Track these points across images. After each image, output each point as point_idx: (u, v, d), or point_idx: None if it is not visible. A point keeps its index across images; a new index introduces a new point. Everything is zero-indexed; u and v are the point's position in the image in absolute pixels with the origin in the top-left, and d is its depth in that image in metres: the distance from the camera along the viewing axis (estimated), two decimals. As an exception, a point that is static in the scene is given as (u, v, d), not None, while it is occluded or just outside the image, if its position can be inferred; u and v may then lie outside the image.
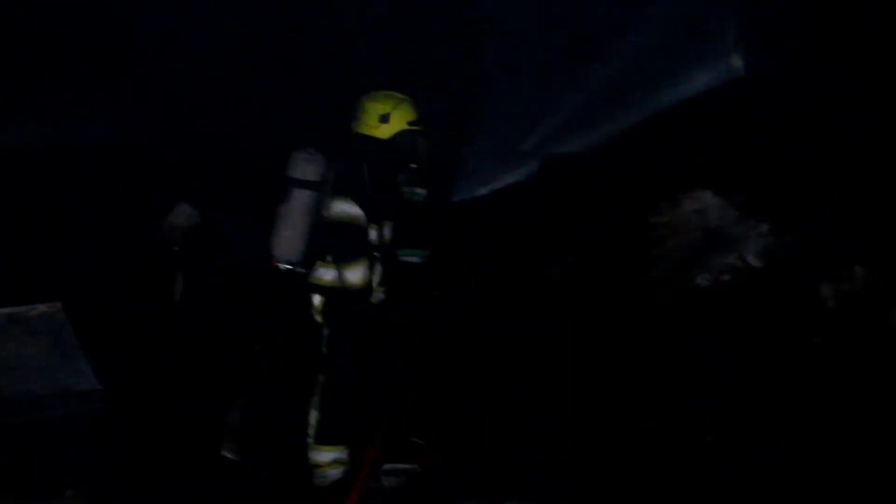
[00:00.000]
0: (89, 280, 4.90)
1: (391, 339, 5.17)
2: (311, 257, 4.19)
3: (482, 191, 10.99)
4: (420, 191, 5.11)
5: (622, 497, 3.72)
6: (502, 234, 7.41)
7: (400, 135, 4.29)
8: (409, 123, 4.30)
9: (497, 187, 10.90)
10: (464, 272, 6.84)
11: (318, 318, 4.27)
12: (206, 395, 4.75)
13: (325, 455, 4.15)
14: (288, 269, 4.16)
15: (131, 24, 6.86)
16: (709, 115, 7.69)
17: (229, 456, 4.53)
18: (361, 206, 4.05)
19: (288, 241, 4.12)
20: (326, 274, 4.19)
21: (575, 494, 3.78)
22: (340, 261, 4.15)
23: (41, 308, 4.01)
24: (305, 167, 4.12)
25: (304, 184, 4.10)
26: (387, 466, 4.34)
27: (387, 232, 4.37)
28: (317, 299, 4.24)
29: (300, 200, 4.09)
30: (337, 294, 4.16)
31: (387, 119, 4.26)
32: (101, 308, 4.66)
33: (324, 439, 4.13)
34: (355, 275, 4.14)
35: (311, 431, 4.17)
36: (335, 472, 4.18)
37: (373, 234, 4.20)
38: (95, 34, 6.53)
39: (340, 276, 4.13)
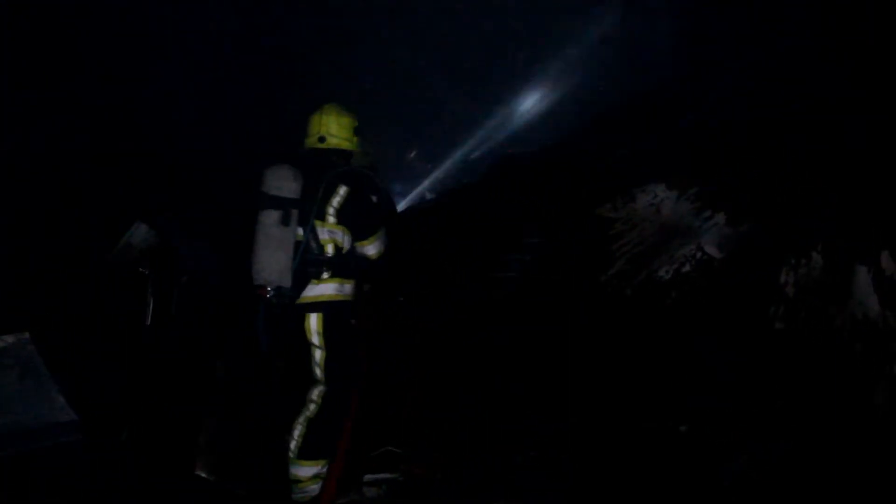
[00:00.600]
0: (57, 307, 4.73)
1: (391, 340, 5.14)
2: (302, 276, 4.00)
3: (431, 194, 11.08)
4: (373, 197, 5.10)
5: (621, 497, 3.74)
6: (457, 235, 7.42)
7: (364, 145, 4.32)
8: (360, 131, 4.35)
9: (447, 190, 11.02)
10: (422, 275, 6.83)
11: (315, 339, 4.05)
12: (178, 415, 4.63)
13: (305, 470, 4.06)
14: (276, 292, 3.95)
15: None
16: (657, 110, 7.90)
17: (204, 475, 4.42)
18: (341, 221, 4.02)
19: (272, 262, 3.90)
20: (326, 289, 4.08)
21: (574, 494, 3.80)
22: (358, 238, 4.10)
23: (8, 339, 3.83)
24: (281, 183, 3.96)
25: (281, 201, 3.93)
26: (367, 477, 4.30)
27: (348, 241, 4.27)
28: (314, 318, 4.03)
29: (276, 218, 3.90)
30: (338, 308, 4.08)
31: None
32: (71, 336, 4.50)
33: (306, 454, 4.05)
34: (372, 248, 4.15)
35: (293, 446, 4.09)
36: (315, 487, 4.10)
37: (346, 242, 4.13)
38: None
39: (341, 287, 4.05)
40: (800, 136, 5.21)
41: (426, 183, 11.19)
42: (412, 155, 11.47)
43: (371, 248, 4.19)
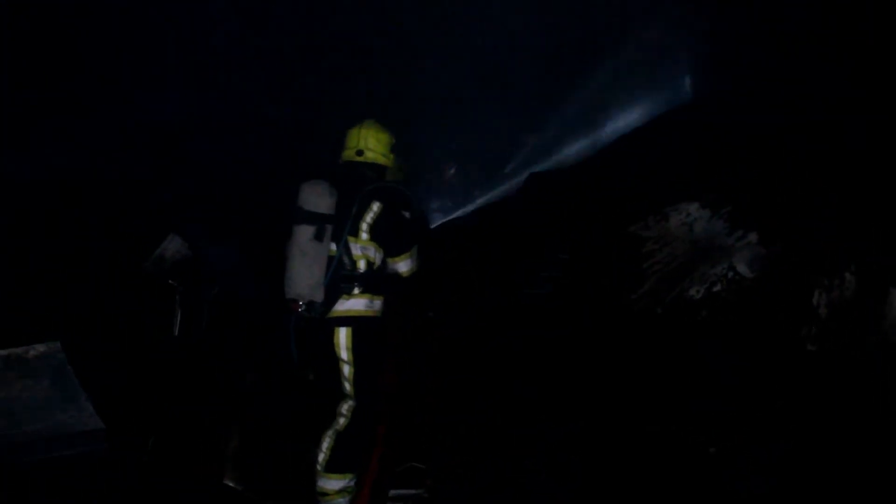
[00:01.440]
0: (87, 316, 4.86)
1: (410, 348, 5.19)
2: (333, 290, 4.06)
3: (466, 209, 11.13)
4: (406, 213, 5.17)
5: (629, 498, 3.74)
6: (489, 250, 7.46)
7: (398, 161, 4.43)
8: (396, 149, 4.46)
9: (479, 206, 11.06)
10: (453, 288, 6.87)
11: (344, 354, 4.09)
12: (206, 425, 4.72)
13: (333, 483, 4.11)
14: (307, 307, 4.01)
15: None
16: (686, 129, 7.86)
17: (232, 485, 4.50)
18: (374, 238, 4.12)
19: (305, 276, 3.97)
20: (357, 304, 4.12)
21: (583, 496, 3.81)
22: (390, 254, 4.17)
23: (39, 348, 3.95)
24: (316, 199, 4.04)
25: (315, 216, 4.01)
26: (393, 493, 4.33)
27: (379, 257, 4.32)
28: (343, 333, 4.08)
29: (310, 233, 3.97)
30: (368, 323, 4.14)
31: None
32: (100, 345, 4.62)
33: (334, 468, 4.10)
34: (404, 265, 4.22)
35: (322, 459, 4.13)
36: (342, 501, 4.14)
37: (378, 258, 4.19)
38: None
39: (371, 303, 4.12)
40: (798, 134, 5.20)
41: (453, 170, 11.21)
42: (451, 171, 11.49)
43: (403, 266, 4.25)
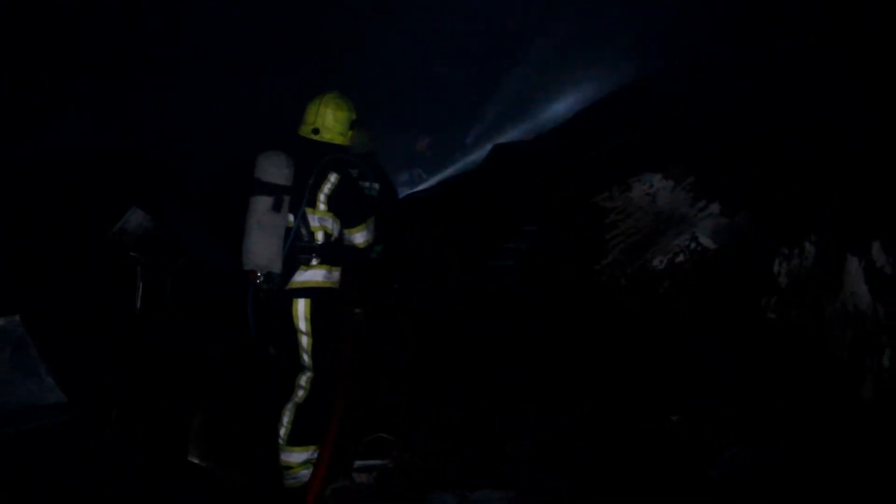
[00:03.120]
0: (49, 290, 4.75)
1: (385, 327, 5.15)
2: (291, 262, 4.04)
3: (430, 182, 11.08)
4: (375, 185, 5.11)
5: (615, 491, 3.76)
6: (453, 224, 7.42)
7: (359, 137, 4.36)
8: (357, 124, 4.37)
9: (444, 178, 11.03)
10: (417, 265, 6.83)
11: (302, 325, 4.09)
12: (171, 401, 4.65)
13: (296, 456, 4.10)
14: (266, 278, 3.99)
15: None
16: (650, 99, 7.88)
17: (196, 461, 4.45)
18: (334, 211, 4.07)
19: (263, 247, 3.94)
20: (315, 275, 4.10)
21: (565, 484, 3.81)
22: (347, 226, 4.13)
23: (-1, 322, 3.86)
24: (274, 170, 4.00)
25: (273, 187, 3.97)
26: (358, 463, 4.31)
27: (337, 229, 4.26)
28: (301, 304, 4.07)
29: (268, 204, 3.94)
30: (326, 295, 4.10)
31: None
32: (62, 318, 4.52)
33: (297, 440, 4.08)
34: (359, 236, 4.19)
35: (283, 432, 4.11)
36: (306, 473, 4.13)
37: (336, 230, 4.15)
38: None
39: (330, 274, 4.08)
40: (798, 135, 5.20)
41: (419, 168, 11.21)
42: (425, 143, 11.44)
43: (359, 237, 4.21)
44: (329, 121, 4.24)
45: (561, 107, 11.18)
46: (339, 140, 4.26)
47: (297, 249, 4.05)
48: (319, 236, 4.09)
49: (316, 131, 4.23)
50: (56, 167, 5.95)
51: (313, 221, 4.08)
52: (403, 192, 10.05)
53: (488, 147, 9.26)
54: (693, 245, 5.18)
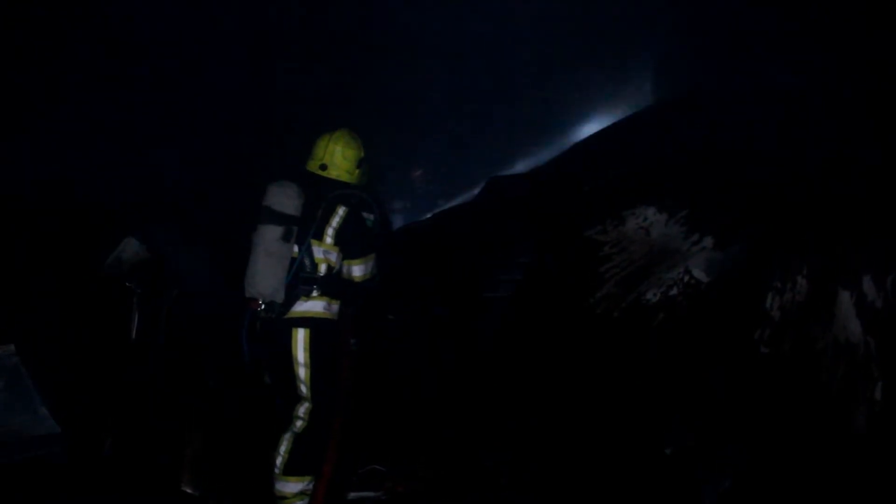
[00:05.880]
0: (43, 320, 4.74)
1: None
2: (292, 292, 4.04)
3: (427, 214, 11.15)
4: (370, 216, 5.14)
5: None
6: (449, 254, 7.46)
7: (365, 175, 4.38)
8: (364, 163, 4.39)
9: (442, 210, 11.08)
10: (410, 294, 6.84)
11: (301, 355, 4.06)
12: (164, 430, 4.63)
13: (292, 486, 4.06)
14: (267, 307, 3.99)
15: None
16: (644, 133, 7.97)
17: (189, 491, 4.42)
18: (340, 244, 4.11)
19: (268, 276, 3.96)
20: (315, 306, 4.10)
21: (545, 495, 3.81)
22: (347, 256, 4.14)
23: (-7, 351, 3.85)
24: (286, 200, 4.04)
25: (283, 217, 4.00)
26: (352, 495, 4.30)
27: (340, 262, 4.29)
28: (301, 334, 4.05)
29: (278, 233, 3.97)
30: (325, 325, 4.11)
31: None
32: (56, 348, 4.51)
33: (293, 470, 4.05)
34: (358, 269, 4.19)
35: (280, 462, 4.09)
36: (300, 504, 4.12)
37: (339, 262, 4.17)
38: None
39: (329, 306, 4.10)
40: (792, 169, 5.28)
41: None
42: (417, 174, 11.55)
43: (357, 269, 4.23)
44: (338, 158, 4.26)
45: (557, 142, 11.31)
46: (345, 178, 4.28)
47: (300, 280, 4.07)
48: (322, 268, 4.12)
49: (324, 167, 4.25)
50: (48, 191, 5.93)
51: (318, 253, 4.11)
52: (396, 221, 10.11)
53: (484, 181, 9.32)
54: (686, 278, 5.21)
